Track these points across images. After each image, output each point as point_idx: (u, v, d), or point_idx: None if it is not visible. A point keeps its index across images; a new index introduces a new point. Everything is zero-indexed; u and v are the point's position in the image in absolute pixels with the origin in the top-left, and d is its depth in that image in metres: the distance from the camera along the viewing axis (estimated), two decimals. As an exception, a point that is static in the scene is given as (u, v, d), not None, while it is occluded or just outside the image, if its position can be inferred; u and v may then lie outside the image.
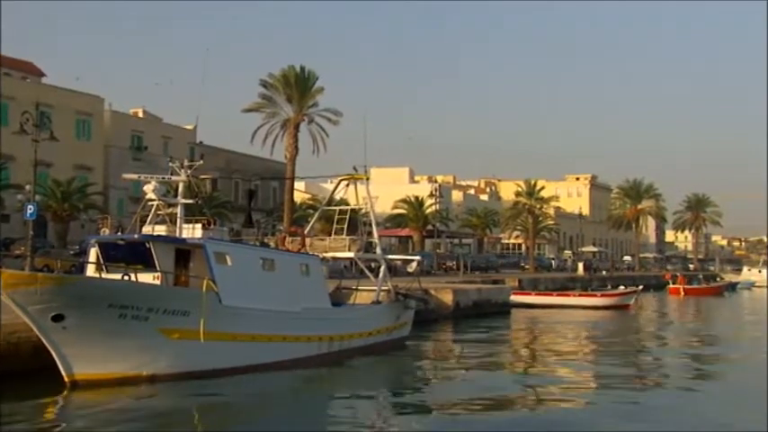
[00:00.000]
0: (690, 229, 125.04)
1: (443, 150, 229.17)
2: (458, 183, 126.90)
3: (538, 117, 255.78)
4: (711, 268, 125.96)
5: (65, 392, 18.88)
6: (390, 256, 39.89)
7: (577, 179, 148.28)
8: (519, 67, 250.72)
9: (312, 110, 55.97)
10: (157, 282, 20.97)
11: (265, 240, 33.06)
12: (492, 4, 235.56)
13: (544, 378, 24.54)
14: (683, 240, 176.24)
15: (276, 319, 22.90)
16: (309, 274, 25.62)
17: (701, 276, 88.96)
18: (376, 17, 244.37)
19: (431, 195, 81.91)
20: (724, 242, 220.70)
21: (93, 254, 22.11)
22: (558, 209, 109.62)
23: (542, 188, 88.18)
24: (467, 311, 41.83)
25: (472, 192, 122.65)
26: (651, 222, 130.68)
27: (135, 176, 25.23)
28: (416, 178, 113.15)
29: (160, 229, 22.61)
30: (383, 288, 30.27)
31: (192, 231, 22.71)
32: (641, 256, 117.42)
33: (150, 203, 22.67)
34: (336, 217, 31.25)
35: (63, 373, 19.19)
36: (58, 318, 18.62)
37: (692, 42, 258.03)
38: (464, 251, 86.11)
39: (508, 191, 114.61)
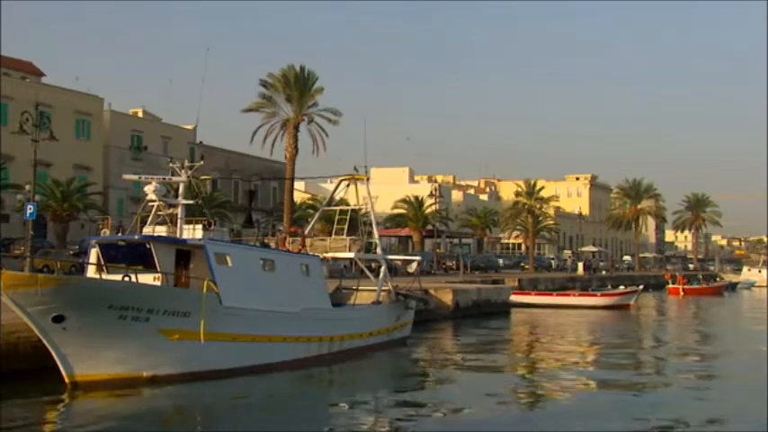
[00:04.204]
0: (689, 229, 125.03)
1: (443, 150, 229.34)
2: (457, 183, 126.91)
3: (538, 117, 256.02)
4: (711, 268, 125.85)
5: (65, 393, 18.87)
6: (391, 257, 39.90)
7: (577, 179, 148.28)
8: (519, 66, 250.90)
9: (312, 110, 55.88)
10: (158, 282, 20.95)
11: (265, 241, 33.01)
12: (492, 5, 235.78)
13: (544, 379, 24.52)
14: (682, 240, 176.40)
15: (276, 319, 22.90)
16: (309, 275, 25.61)
17: (700, 276, 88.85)
18: (376, 17, 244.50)
19: (431, 195, 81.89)
20: (724, 242, 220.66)
21: (93, 254, 22.10)
22: (557, 209, 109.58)
23: (542, 188, 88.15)
24: (467, 311, 41.80)
25: (472, 192, 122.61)
26: (651, 222, 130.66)
27: (135, 177, 25.25)
28: (416, 178, 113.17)
29: (161, 230, 22.61)
30: (383, 288, 30.26)
31: (193, 232, 22.72)
32: (641, 255, 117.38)
33: (151, 204, 22.66)
34: (336, 217, 31.27)
35: (63, 373, 19.19)
36: (58, 319, 18.61)
37: (692, 42, 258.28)
38: (464, 251, 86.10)
39: (508, 191, 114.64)
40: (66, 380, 19.19)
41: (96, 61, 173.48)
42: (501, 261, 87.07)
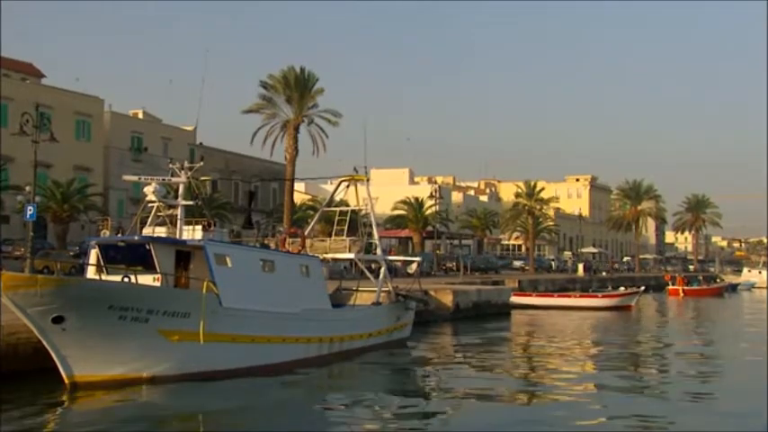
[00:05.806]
0: (690, 231, 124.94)
1: (443, 151, 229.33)
2: (457, 184, 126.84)
3: (538, 117, 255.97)
4: (711, 269, 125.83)
5: (65, 394, 18.88)
6: (390, 257, 39.90)
7: (577, 180, 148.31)
8: (519, 67, 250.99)
9: (312, 111, 55.91)
10: (157, 283, 20.95)
11: (265, 242, 33.03)
12: (492, 5, 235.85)
13: (544, 380, 24.51)
14: (682, 241, 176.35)
15: (276, 320, 22.90)
16: (309, 276, 25.62)
17: (700, 277, 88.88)
18: (376, 17, 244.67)
19: (431, 196, 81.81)
20: (724, 243, 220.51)
21: (93, 255, 22.11)
22: (557, 210, 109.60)
23: (542, 189, 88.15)
24: (467, 313, 41.77)
25: (472, 193, 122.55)
26: (651, 223, 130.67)
27: (135, 178, 25.25)
28: (416, 179, 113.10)
29: (160, 231, 22.63)
30: (383, 289, 30.26)
31: (193, 233, 22.72)
32: (641, 257, 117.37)
33: (150, 205, 22.67)
34: (336, 218, 31.27)
35: (63, 374, 19.19)
36: (58, 319, 18.61)
37: (692, 42, 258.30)
38: (464, 252, 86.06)
39: (508, 192, 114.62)
40: (66, 381, 19.19)
41: (96, 61, 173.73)
42: (520, 263, 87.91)
